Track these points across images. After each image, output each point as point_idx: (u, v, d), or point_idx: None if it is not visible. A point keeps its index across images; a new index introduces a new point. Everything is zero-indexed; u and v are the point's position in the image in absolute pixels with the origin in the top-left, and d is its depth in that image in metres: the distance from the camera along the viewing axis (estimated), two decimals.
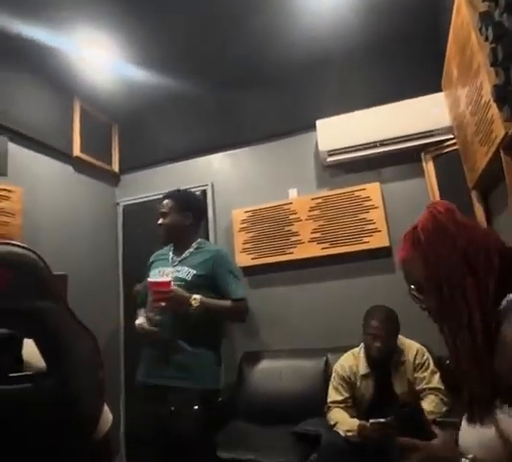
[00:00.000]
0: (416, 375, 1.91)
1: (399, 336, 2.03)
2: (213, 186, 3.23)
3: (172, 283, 1.70)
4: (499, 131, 1.46)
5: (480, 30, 1.43)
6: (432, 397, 1.83)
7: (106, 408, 0.70)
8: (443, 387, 1.86)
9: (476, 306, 0.71)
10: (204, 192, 3.20)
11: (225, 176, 3.25)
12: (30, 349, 0.60)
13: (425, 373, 1.91)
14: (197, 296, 1.68)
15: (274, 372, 2.62)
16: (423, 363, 1.93)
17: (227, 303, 1.76)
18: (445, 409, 1.79)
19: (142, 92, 3.16)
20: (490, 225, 2.07)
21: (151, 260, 2.03)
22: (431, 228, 0.79)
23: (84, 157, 3.13)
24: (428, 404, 1.80)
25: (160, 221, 1.90)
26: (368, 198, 2.73)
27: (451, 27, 1.78)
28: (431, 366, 1.93)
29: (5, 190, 2.46)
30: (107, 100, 3.26)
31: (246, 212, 3.02)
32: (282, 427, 2.24)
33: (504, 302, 0.70)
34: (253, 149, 3.20)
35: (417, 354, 1.95)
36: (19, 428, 0.54)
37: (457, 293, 0.74)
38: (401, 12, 2.53)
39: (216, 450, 1.81)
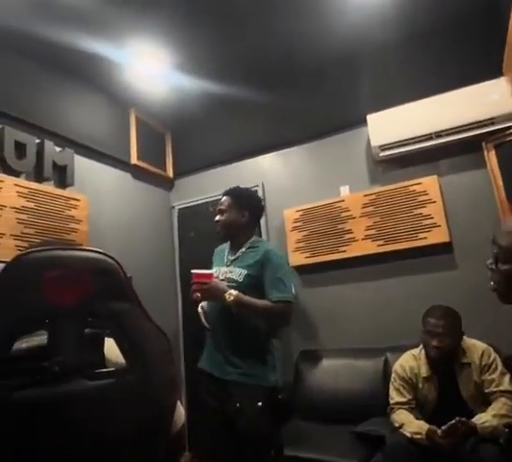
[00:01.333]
0: (484, 378, 1.80)
1: (465, 337, 1.93)
2: (263, 186, 3.26)
3: (215, 275, 1.70)
4: None
5: None
6: (504, 399, 1.72)
7: (179, 404, 0.74)
8: None
9: None
10: (256, 192, 3.24)
11: (276, 176, 3.27)
12: (108, 346, 0.66)
13: (494, 375, 1.79)
14: (234, 292, 1.65)
15: (331, 372, 2.60)
16: (491, 364, 1.82)
17: (266, 304, 1.69)
18: None
19: (192, 100, 3.26)
20: None
21: (213, 257, 2.04)
22: None
23: (140, 164, 3.29)
24: (500, 408, 1.70)
25: (217, 218, 1.90)
26: (424, 193, 2.63)
27: None
28: (500, 367, 1.82)
29: (73, 199, 2.65)
30: (160, 109, 3.40)
31: (298, 211, 3.02)
32: (340, 427, 2.22)
33: None
34: (303, 148, 3.19)
35: (483, 355, 1.84)
36: (103, 422, 0.59)
37: None
38: None
39: (283, 448, 1.82)
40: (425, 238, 2.59)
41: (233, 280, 1.77)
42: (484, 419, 1.66)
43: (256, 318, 1.75)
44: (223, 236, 1.93)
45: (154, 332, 0.68)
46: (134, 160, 3.24)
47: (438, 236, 2.56)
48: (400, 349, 2.17)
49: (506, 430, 1.54)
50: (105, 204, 2.96)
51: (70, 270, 0.60)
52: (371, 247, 2.74)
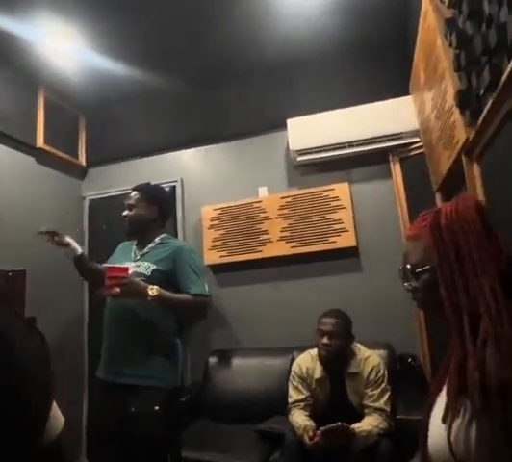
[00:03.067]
0: (366, 391, 1.89)
1: (360, 347, 2.02)
2: (182, 182, 3.19)
3: (130, 270, 1.65)
4: (461, 136, 1.50)
5: (445, 36, 1.46)
6: (377, 415, 1.82)
7: (58, 413, 0.67)
8: (388, 409, 1.85)
9: (493, 304, 0.68)
10: (173, 188, 3.15)
11: (195, 172, 3.21)
12: None
13: (375, 391, 1.88)
14: (155, 286, 1.62)
15: (241, 371, 2.63)
16: (377, 380, 1.90)
17: (187, 297, 1.70)
18: (386, 428, 1.78)
19: (113, 84, 3.06)
20: None
21: (114, 252, 1.98)
22: (454, 217, 0.77)
23: (48, 148, 3.01)
24: (373, 420, 1.79)
25: (125, 213, 1.86)
26: (336, 198, 2.76)
27: (419, 32, 1.82)
28: (383, 384, 1.90)
29: None
30: (75, 91, 3.15)
31: (216, 209, 2.99)
32: (248, 426, 2.24)
33: None
34: (225, 146, 3.18)
35: (372, 370, 1.92)
36: None
37: (470, 287, 0.72)
38: (373, 16, 2.55)
39: (180, 451, 1.78)
40: (335, 241, 2.72)
41: (140, 274, 1.72)
42: (360, 425, 1.76)
43: (175, 311, 1.73)
44: (131, 231, 1.89)
45: (26, 333, 0.61)
46: (40, 143, 2.95)
47: (346, 240, 2.70)
48: (307, 348, 2.23)
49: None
50: (3, 188, 2.67)
51: None
52: (285, 249, 2.80)
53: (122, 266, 1.66)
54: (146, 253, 1.83)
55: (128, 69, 2.89)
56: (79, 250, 1.86)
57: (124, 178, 3.28)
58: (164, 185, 3.14)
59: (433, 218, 0.80)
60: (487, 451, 0.65)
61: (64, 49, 2.68)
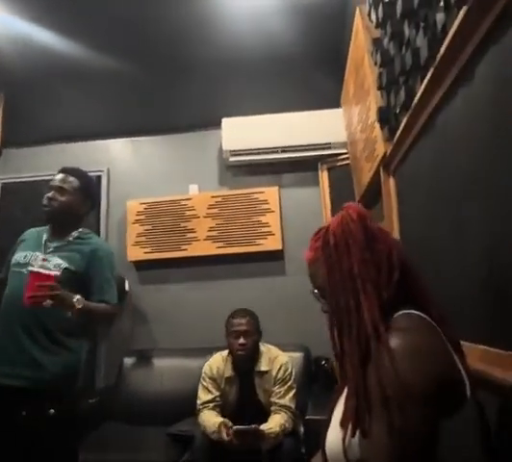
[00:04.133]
0: (274, 388, 1.94)
1: (270, 346, 2.07)
2: (109, 172, 3.04)
3: (53, 274, 1.50)
4: (380, 150, 1.59)
5: (372, 54, 1.54)
6: (283, 413, 1.87)
7: None
8: (293, 406, 1.92)
9: (369, 320, 0.70)
10: (99, 179, 2.99)
11: (124, 164, 3.07)
12: None
13: (282, 389, 1.93)
14: (80, 298, 1.50)
15: (158, 372, 2.56)
16: (284, 378, 1.96)
17: (105, 308, 1.60)
18: (291, 426, 1.85)
19: (42, 59, 2.80)
20: None
21: (20, 239, 1.78)
22: (340, 233, 0.77)
23: None
24: (280, 419, 1.84)
25: (51, 195, 1.66)
26: (265, 201, 2.79)
27: (350, 48, 1.90)
28: (290, 382, 1.95)
29: None
30: None
31: (142, 204, 2.89)
32: (162, 428, 2.17)
33: (395, 316, 0.71)
34: (158, 139, 3.09)
35: (280, 368, 1.97)
36: None
37: (351, 305, 0.73)
38: (314, 27, 2.62)
39: (77, 455, 1.67)
40: (262, 244, 2.75)
41: (48, 269, 1.57)
42: (269, 426, 1.79)
43: (91, 322, 1.63)
44: (52, 218, 1.69)
45: None
46: None
47: (272, 243, 2.74)
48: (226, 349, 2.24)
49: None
50: None
51: None
52: (211, 248, 2.78)
53: (49, 273, 1.50)
54: (59, 247, 1.66)
55: (59, 43, 2.66)
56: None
57: (44, 163, 3.05)
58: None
59: (323, 237, 0.80)
60: (374, 456, 0.68)
61: None
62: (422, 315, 0.72)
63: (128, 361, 2.63)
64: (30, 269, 1.51)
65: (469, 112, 0.85)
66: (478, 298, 0.87)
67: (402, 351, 0.65)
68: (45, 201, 1.68)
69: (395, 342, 0.67)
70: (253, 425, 1.70)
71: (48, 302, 1.43)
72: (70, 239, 1.69)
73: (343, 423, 0.73)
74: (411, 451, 0.60)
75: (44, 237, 1.71)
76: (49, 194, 1.67)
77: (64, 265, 1.60)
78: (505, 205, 0.72)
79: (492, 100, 0.74)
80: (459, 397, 0.67)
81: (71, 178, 1.72)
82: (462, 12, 0.76)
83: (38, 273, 1.49)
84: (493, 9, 0.69)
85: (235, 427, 1.71)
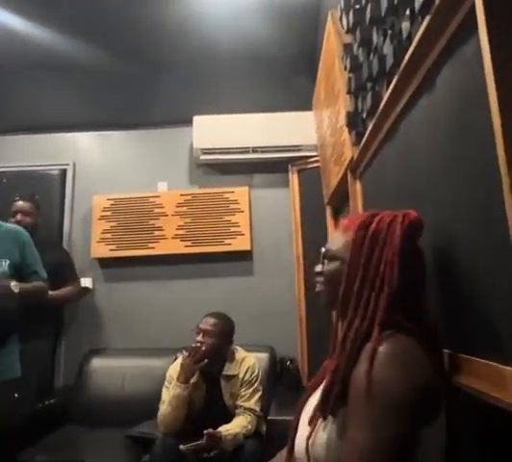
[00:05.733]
0: (240, 391, 1.92)
1: (240, 349, 2.03)
2: (75, 166, 2.95)
3: None
4: (348, 154, 1.62)
5: (342, 59, 1.56)
6: (246, 416, 1.85)
7: None
8: (258, 408, 1.90)
9: (371, 313, 0.71)
10: (64, 172, 2.90)
11: (90, 158, 2.99)
12: None
13: (248, 391, 1.89)
14: (15, 282, 1.51)
15: (119, 372, 2.49)
16: (251, 380, 1.93)
17: (40, 285, 1.63)
18: (254, 427, 1.83)
19: (7, 47, 2.70)
20: None
21: None
22: (384, 227, 0.76)
23: None
24: (242, 421, 1.82)
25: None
26: (235, 201, 2.79)
27: (322, 52, 1.93)
28: (256, 384, 1.93)
29: None
30: None
31: (109, 199, 2.82)
32: (122, 431, 2.11)
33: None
34: (127, 134, 3.02)
35: (247, 370, 1.94)
36: None
37: (363, 294, 0.74)
38: (290, 29, 2.66)
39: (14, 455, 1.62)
40: (230, 244, 2.74)
41: None
42: (227, 427, 1.77)
43: (29, 301, 1.59)
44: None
45: None
46: None
47: (241, 244, 2.74)
48: None
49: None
50: None
51: None
52: (179, 247, 2.74)
53: None
54: None
55: (32, 33, 2.55)
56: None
57: (7, 154, 2.94)
58: (53, 167, 2.90)
59: (367, 218, 0.80)
60: (331, 454, 0.69)
61: None
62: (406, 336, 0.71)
63: (89, 360, 2.55)
64: None
65: (430, 118, 0.87)
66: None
67: (388, 357, 0.66)
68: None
69: (383, 347, 0.67)
70: (201, 441, 1.65)
71: None
72: None
73: (311, 422, 0.74)
74: (393, 458, 0.61)
75: None
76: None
77: (6, 261, 1.56)
78: (459, 206, 0.75)
79: (451, 107, 0.77)
80: (437, 405, 0.68)
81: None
82: (425, 22, 0.79)
83: None
84: (454, 18, 0.71)
85: (182, 448, 1.65)
